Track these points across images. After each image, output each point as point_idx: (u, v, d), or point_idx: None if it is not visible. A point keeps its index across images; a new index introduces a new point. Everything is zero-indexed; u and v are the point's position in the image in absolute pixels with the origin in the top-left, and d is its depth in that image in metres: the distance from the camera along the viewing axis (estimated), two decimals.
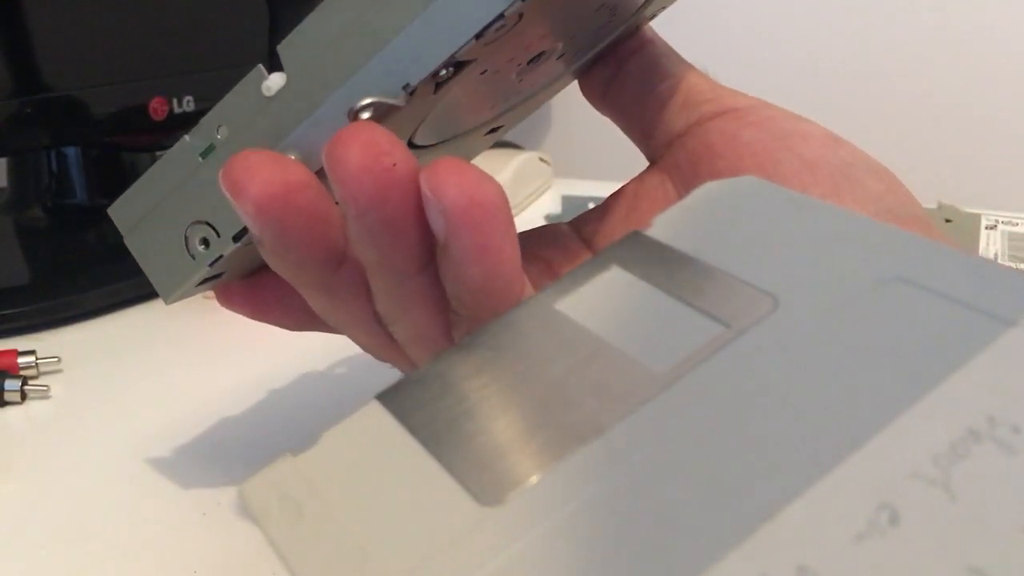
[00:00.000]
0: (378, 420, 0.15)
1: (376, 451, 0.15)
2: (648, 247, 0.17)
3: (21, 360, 0.35)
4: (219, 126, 0.22)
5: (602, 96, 0.29)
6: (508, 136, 0.62)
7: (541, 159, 0.61)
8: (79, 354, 0.37)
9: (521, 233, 0.22)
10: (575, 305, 0.16)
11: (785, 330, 0.14)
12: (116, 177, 0.49)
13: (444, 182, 0.19)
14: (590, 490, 0.13)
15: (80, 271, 0.44)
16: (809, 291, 0.15)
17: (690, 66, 0.28)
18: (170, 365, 0.37)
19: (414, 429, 0.15)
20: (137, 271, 0.44)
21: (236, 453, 0.31)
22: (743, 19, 0.69)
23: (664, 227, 0.17)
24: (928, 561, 0.11)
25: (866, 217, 0.15)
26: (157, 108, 0.45)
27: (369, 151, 0.19)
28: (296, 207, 0.20)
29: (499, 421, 0.15)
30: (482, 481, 0.14)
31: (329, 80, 0.20)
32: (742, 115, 0.26)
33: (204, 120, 0.22)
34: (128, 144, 0.48)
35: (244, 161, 0.20)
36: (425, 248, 0.20)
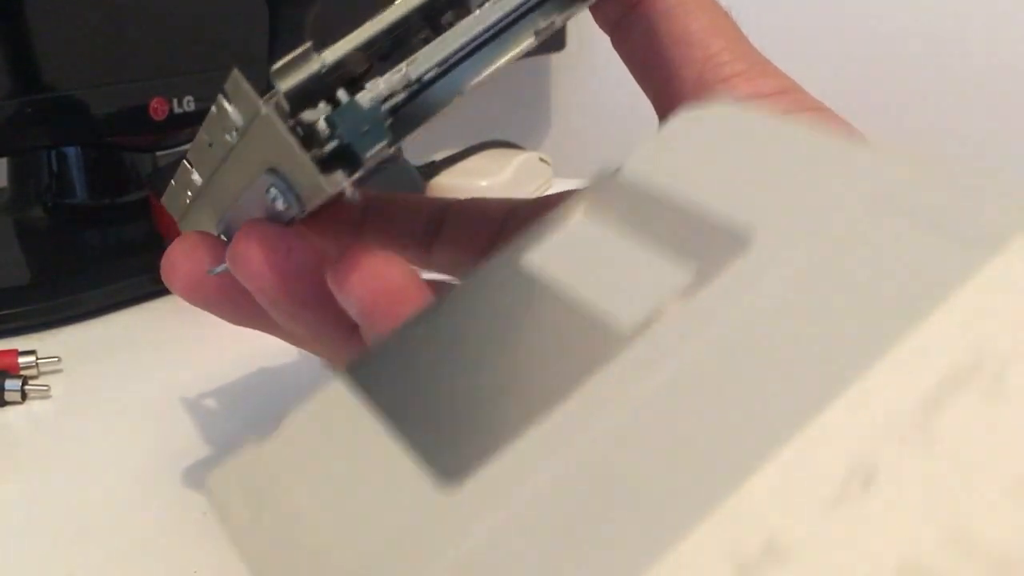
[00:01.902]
0: (340, 399, 0.15)
1: (337, 433, 0.14)
2: (619, 188, 0.16)
3: (22, 360, 0.35)
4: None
5: (612, 34, 0.25)
6: (508, 136, 0.62)
7: (541, 159, 0.61)
8: (80, 354, 0.37)
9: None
10: (543, 259, 0.16)
11: (758, 273, 0.13)
12: (116, 177, 0.49)
13: (347, 279, 0.20)
14: (550, 467, 0.12)
15: (80, 271, 0.44)
16: (786, 226, 0.13)
17: (713, 20, 0.23)
18: (171, 365, 0.37)
19: (376, 405, 0.15)
20: (137, 271, 0.44)
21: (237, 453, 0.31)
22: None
23: (637, 164, 0.16)
24: (905, 526, 0.10)
25: (847, 141, 0.14)
26: (157, 108, 0.45)
27: (264, 246, 0.21)
28: (213, 294, 0.23)
29: (461, 391, 0.14)
30: (443, 462, 0.13)
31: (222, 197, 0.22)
32: (766, 105, 0.22)
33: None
34: (128, 144, 0.48)
35: (169, 254, 0.23)
36: (346, 317, 0.21)
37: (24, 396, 0.34)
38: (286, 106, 0.18)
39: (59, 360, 0.36)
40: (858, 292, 0.12)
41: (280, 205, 0.20)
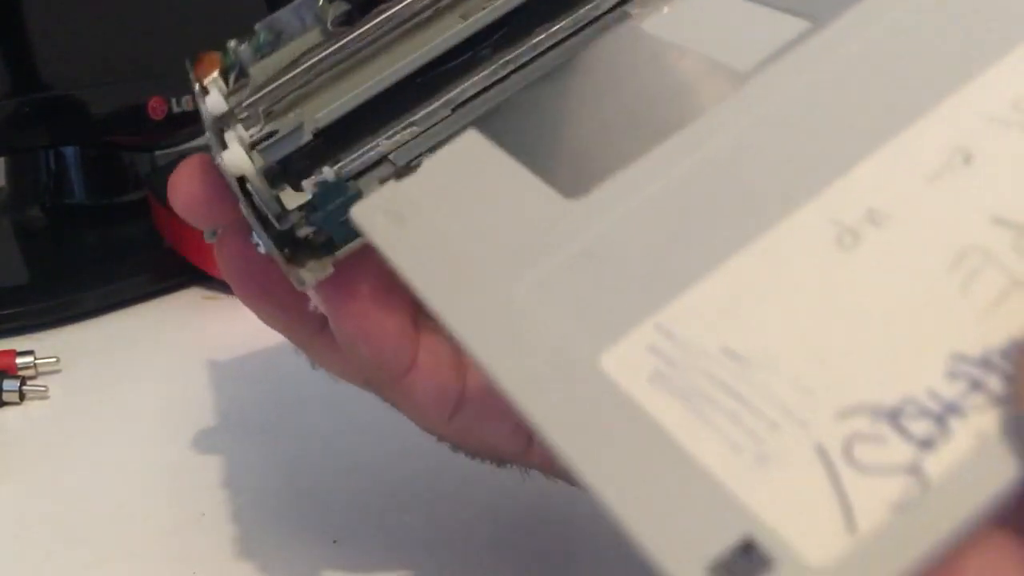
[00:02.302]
0: (473, 143, 0.17)
1: (471, 168, 0.16)
2: None
3: (19, 360, 0.35)
4: None
5: None
6: None
7: None
8: (78, 354, 0.37)
9: None
10: (663, 24, 0.17)
11: (870, 18, 0.14)
12: (115, 177, 0.49)
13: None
14: (669, 176, 0.14)
15: (79, 271, 0.43)
16: None
17: None
18: (169, 365, 0.37)
19: (507, 146, 0.16)
20: (135, 271, 0.44)
21: (235, 453, 0.31)
22: None
23: None
24: (1005, 190, 0.11)
25: None
26: (156, 107, 0.45)
27: (238, 266, 0.21)
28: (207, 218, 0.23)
29: (586, 130, 0.16)
30: (569, 179, 0.15)
31: None
32: None
33: None
34: (127, 143, 0.48)
35: (175, 174, 0.23)
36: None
37: (22, 397, 0.34)
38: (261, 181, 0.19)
39: (57, 360, 0.36)
40: (967, 20, 0.14)
41: (255, 242, 0.20)
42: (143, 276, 0.42)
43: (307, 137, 0.19)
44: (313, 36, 0.26)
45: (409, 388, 0.22)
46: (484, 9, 0.20)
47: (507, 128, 0.17)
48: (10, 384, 0.34)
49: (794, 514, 0.10)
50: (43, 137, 0.45)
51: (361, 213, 0.17)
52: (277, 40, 0.25)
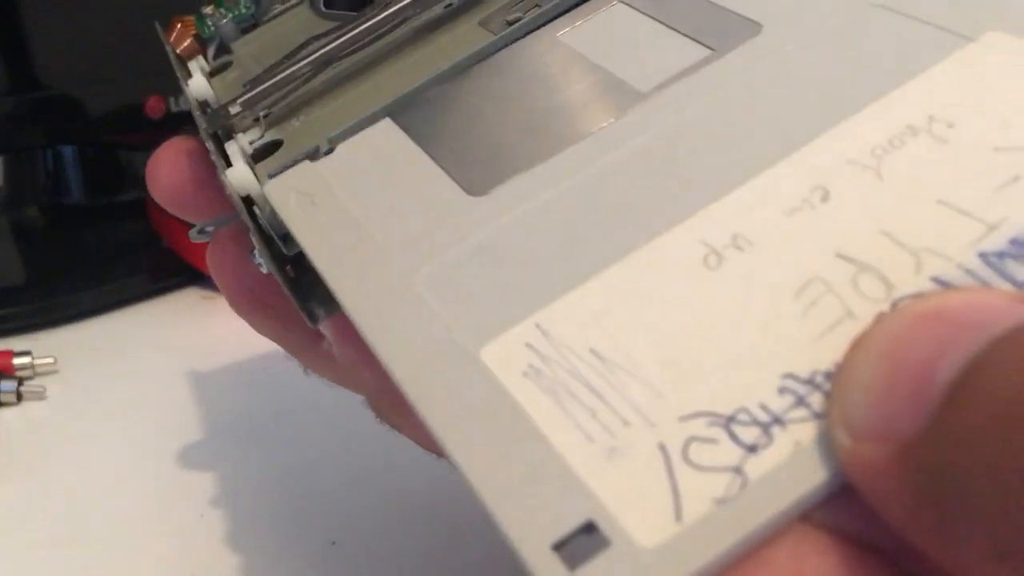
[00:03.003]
0: (387, 132, 0.18)
1: (383, 156, 0.17)
2: None
3: (17, 361, 0.35)
4: None
5: None
6: None
7: None
8: (75, 355, 0.37)
9: None
10: (576, 35, 0.18)
11: (764, 52, 0.16)
12: (113, 176, 0.49)
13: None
14: (564, 184, 0.15)
15: (77, 271, 0.43)
16: (792, 18, 0.16)
17: None
18: (167, 366, 0.37)
19: (419, 139, 0.17)
20: (133, 271, 0.44)
21: (234, 454, 0.31)
22: None
23: None
24: (850, 229, 0.13)
25: None
26: (154, 107, 0.45)
27: (228, 265, 0.21)
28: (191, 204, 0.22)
29: (494, 131, 0.17)
30: (473, 177, 0.16)
31: None
32: None
33: None
34: (125, 143, 0.47)
35: (154, 158, 0.22)
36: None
37: (20, 397, 0.34)
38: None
39: (55, 361, 0.36)
40: (853, 67, 0.15)
41: (257, 262, 0.20)
42: (141, 276, 0.42)
43: (324, 148, 0.18)
44: (302, 12, 0.25)
45: (411, 412, 0.22)
46: (511, 20, 0.20)
47: (421, 120, 0.18)
48: (7, 385, 0.34)
49: (632, 502, 0.11)
50: (40, 136, 0.44)
51: (275, 191, 0.18)
52: (258, 7, 0.24)
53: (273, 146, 0.20)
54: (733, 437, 0.11)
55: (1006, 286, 0.12)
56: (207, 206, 0.22)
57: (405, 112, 0.18)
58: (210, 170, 0.22)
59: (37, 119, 0.43)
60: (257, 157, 0.19)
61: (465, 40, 0.20)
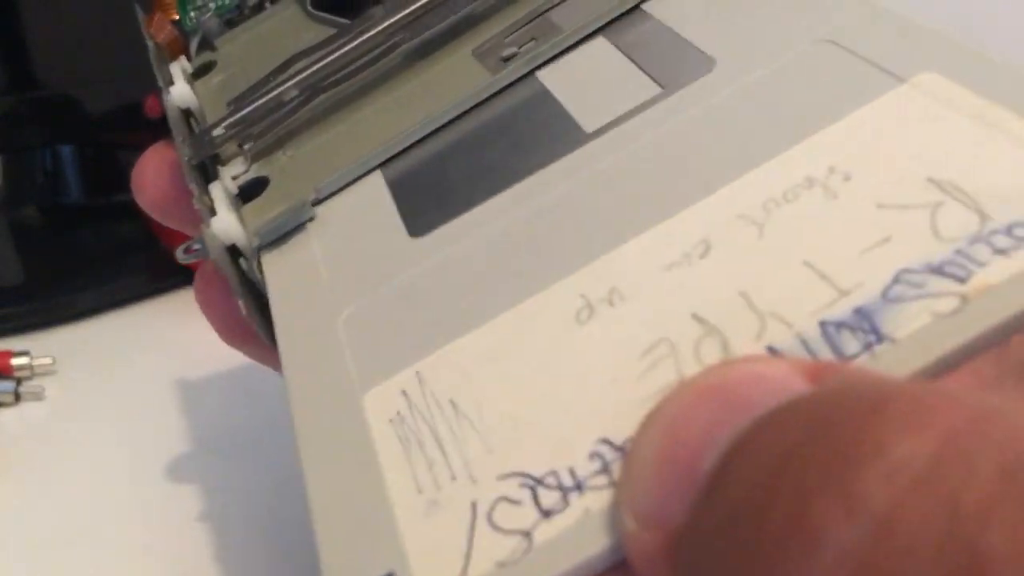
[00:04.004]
0: (375, 190, 0.18)
1: (367, 216, 0.18)
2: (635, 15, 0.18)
3: (15, 361, 0.35)
4: None
5: None
6: None
7: None
8: (74, 355, 0.37)
9: None
10: (551, 71, 0.18)
11: (708, 93, 0.16)
12: (112, 176, 0.49)
13: None
14: (485, 228, 0.16)
15: (75, 271, 0.43)
16: (744, 53, 0.16)
17: None
18: (166, 366, 0.36)
19: (395, 190, 0.18)
20: (132, 271, 0.44)
21: (232, 454, 0.31)
22: None
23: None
24: (713, 287, 0.12)
25: None
26: (152, 106, 0.45)
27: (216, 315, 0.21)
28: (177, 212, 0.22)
29: (450, 170, 0.18)
30: (418, 218, 0.17)
31: None
32: None
33: None
34: (123, 142, 0.47)
35: (139, 164, 0.22)
36: None
37: (18, 398, 0.34)
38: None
39: (53, 361, 0.36)
40: (786, 107, 0.15)
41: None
42: (140, 276, 0.42)
43: (309, 214, 0.18)
44: (289, 9, 0.24)
45: None
46: (506, 56, 0.19)
47: (405, 168, 0.18)
48: (5, 385, 0.34)
49: (431, 558, 0.11)
50: (39, 136, 0.44)
51: (268, 265, 0.18)
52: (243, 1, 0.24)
53: (257, 184, 0.19)
54: (535, 500, 0.11)
55: (830, 359, 0.11)
56: (195, 214, 0.22)
57: (394, 163, 0.18)
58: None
59: (35, 119, 0.43)
60: (243, 196, 0.19)
61: (459, 75, 0.19)
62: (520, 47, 0.19)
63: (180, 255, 0.20)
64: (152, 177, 0.22)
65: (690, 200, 0.14)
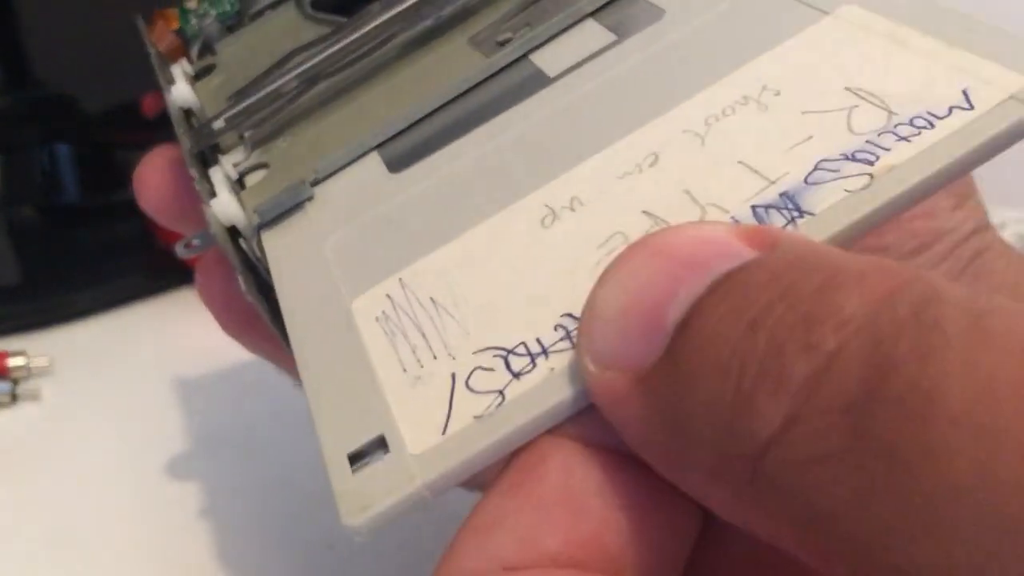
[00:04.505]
0: (373, 169, 0.19)
1: (366, 194, 0.18)
2: None
3: (11, 362, 0.35)
4: None
5: None
6: None
7: None
8: (70, 356, 0.37)
9: None
10: (544, 52, 0.19)
11: (657, 37, 0.18)
12: (109, 175, 0.49)
13: None
14: (459, 161, 0.17)
15: (72, 271, 0.43)
16: (692, 2, 0.18)
17: None
18: (163, 366, 0.36)
19: (385, 151, 0.19)
20: (129, 271, 0.44)
21: (230, 455, 0.31)
22: None
23: None
24: (661, 188, 0.15)
25: None
26: (150, 105, 0.45)
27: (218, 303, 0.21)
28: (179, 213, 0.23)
29: (435, 124, 0.19)
30: (399, 157, 0.18)
31: None
32: None
33: None
34: (121, 141, 0.47)
35: (140, 168, 0.23)
36: None
37: (14, 398, 0.34)
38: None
39: (50, 362, 0.36)
40: (724, 44, 0.17)
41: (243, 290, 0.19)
42: (137, 276, 0.42)
43: (308, 193, 0.18)
44: (288, 12, 0.24)
45: None
46: (500, 41, 0.19)
47: (400, 145, 0.19)
48: (2, 386, 0.34)
49: (416, 421, 0.13)
50: (36, 135, 0.44)
51: (269, 243, 0.19)
52: (243, 2, 0.24)
53: (257, 170, 0.19)
54: (507, 366, 0.13)
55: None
56: (195, 217, 0.22)
57: (391, 145, 0.19)
58: None
59: (33, 118, 0.43)
60: (243, 182, 0.19)
61: (455, 61, 0.20)
62: (515, 33, 0.20)
63: (180, 250, 0.21)
64: (153, 179, 0.22)
65: (640, 123, 0.16)
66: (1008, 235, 0.31)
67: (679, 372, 0.11)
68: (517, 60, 0.19)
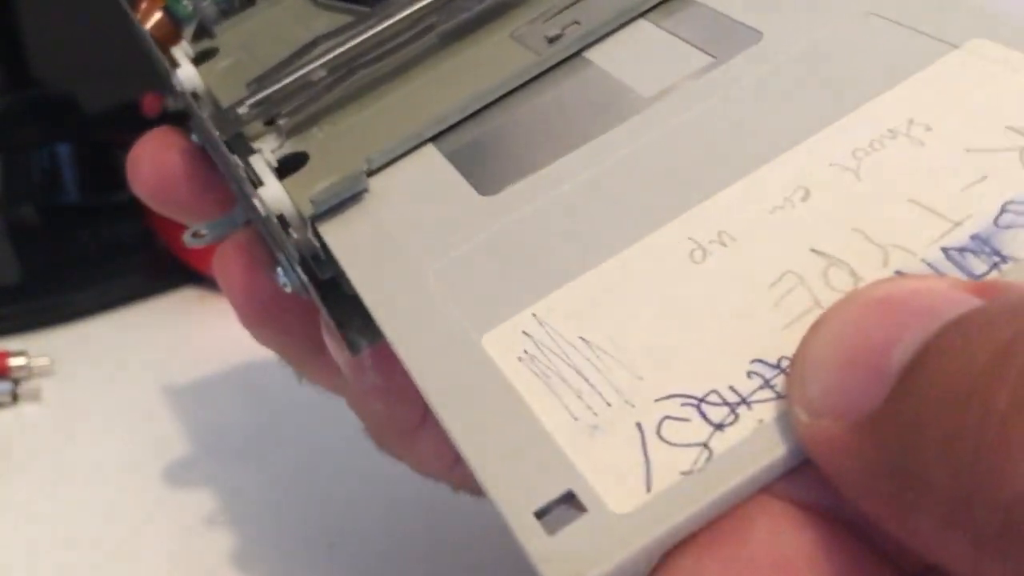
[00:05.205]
0: (432, 160, 0.18)
1: (428, 185, 0.18)
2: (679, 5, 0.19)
3: (12, 361, 0.35)
4: None
5: None
6: None
7: None
8: (71, 355, 0.37)
9: None
10: (597, 49, 0.19)
11: (762, 58, 0.17)
12: (109, 175, 0.49)
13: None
14: (567, 184, 0.16)
15: (73, 270, 0.43)
16: (790, 26, 0.17)
17: None
18: (164, 366, 0.36)
19: (454, 157, 0.18)
20: (129, 270, 0.44)
21: (231, 455, 0.31)
22: None
23: None
24: (826, 226, 0.14)
25: None
26: (150, 104, 0.45)
27: (244, 269, 0.20)
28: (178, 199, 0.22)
29: (510, 135, 0.18)
30: (488, 179, 0.17)
31: None
32: None
33: None
34: (121, 141, 0.47)
35: (135, 151, 0.22)
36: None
37: (15, 398, 0.34)
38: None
39: (51, 362, 0.36)
40: (845, 73, 0.16)
41: (282, 282, 0.19)
42: (137, 276, 0.42)
43: (364, 184, 0.18)
44: (291, 1, 0.24)
45: (414, 442, 0.21)
46: (550, 37, 0.19)
47: (458, 141, 0.18)
48: (3, 386, 0.34)
49: (608, 475, 0.12)
50: (36, 135, 0.44)
51: (332, 236, 0.18)
52: None
53: (296, 158, 0.19)
54: (703, 416, 0.12)
55: (963, 278, 0.12)
56: (197, 204, 0.21)
57: (445, 138, 0.18)
58: (199, 166, 0.21)
59: (33, 117, 0.43)
60: (282, 171, 0.19)
61: (501, 55, 0.19)
62: (563, 29, 0.19)
63: (188, 239, 0.20)
64: (149, 165, 0.21)
65: (772, 154, 0.15)
66: None
67: (908, 415, 0.11)
68: (570, 58, 0.19)
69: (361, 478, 0.29)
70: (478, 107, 0.18)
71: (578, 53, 0.19)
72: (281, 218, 0.18)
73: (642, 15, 0.19)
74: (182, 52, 0.23)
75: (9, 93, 0.42)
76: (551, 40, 0.19)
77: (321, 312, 0.18)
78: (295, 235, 0.18)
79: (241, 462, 0.30)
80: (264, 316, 0.21)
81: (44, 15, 0.42)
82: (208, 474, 0.30)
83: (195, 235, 0.20)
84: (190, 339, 0.38)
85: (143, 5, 0.23)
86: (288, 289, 0.18)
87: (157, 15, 0.24)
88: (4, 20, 0.42)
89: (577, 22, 0.19)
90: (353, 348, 0.18)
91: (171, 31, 0.24)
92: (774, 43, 0.17)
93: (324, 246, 0.18)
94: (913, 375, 0.11)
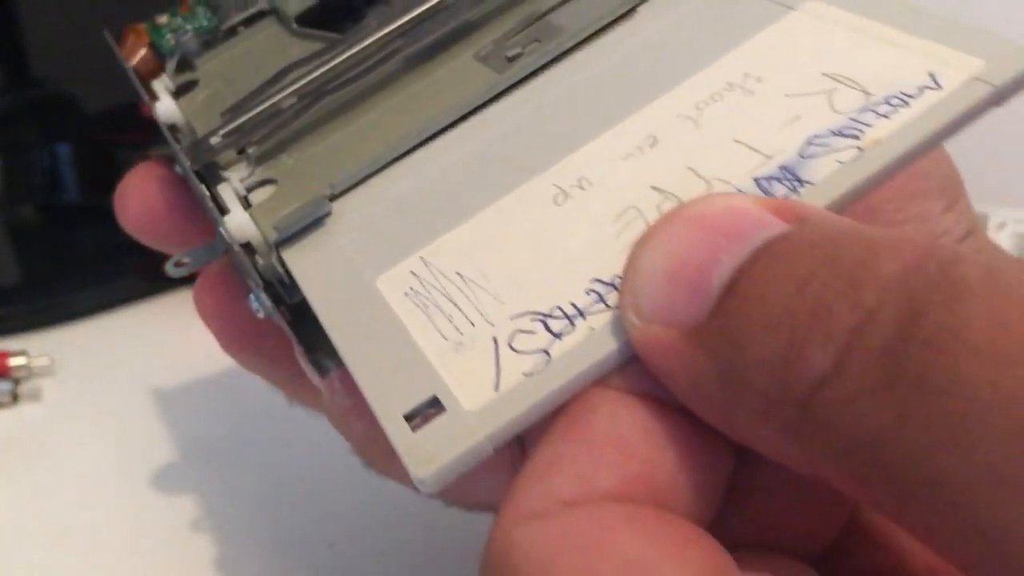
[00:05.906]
0: (390, 177, 0.19)
1: (379, 195, 0.19)
2: None
3: (12, 361, 0.35)
4: None
5: None
6: None
7: None
8: (71, 355, 0.37)
9: None
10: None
11: (633, 33, 0.19)
12: (109, 175, 0.49)
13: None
14: (468, 144, 0.19)
15: (73, 270, 0.43)
16: (664, 5, 0.19)
17: None
18: (164, 367, 0.36)
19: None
20: (129, 271, 0.44)
21: (231, 455, 0.31)
22: None
23: None
24: (665, 167, 0.16)
25: None
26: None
27: (218, 301, 0.21)
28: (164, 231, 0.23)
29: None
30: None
31: None
32: None
33: None
34: (121, 141, 0.47)
35: (121, 187, 0.23)
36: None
37: (15, 398, 0.34)
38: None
39: (51, 362, 0.36)
40: (698, 37, 0.18)
41: (255, 308, 0.19)
42: (137, 276, 0.42)
43: (327, 209, 0.18)
44: (270, 28, 0.24)
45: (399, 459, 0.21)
46: (509, 57, 0.20)
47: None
48: (3, 385, 0.34)
49: (466, 382, 0.15)
50: (36, 135, 0.44)
51: (293, 261, 0.19)
52: (217, 17, 0.24)
53: (263, 185, 0.19)
54: (547, 328, 0.15)
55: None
56: (180, 235, 0.21)
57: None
58: (183, 197, 0.21)
59: (33, 118, 0.43)
60: (249, 199, 0.19)
61: (463, 77, 0.20)
62: (524, 48, 0.20)
63: (170, 268, 0.20)
64: (134, 199, 0.22)
65: (632, 110, 0.17)
66: (1008, 235, 0.30)
67: (730, 329, 0.13)
68: (531, 75, 0.19)
69: (362, 479, 0.29)
70: (436, 130, 0.19)
71: (540, 70, 0.19)
72: (247, 245, 0.18)
73: (600, 32, 0.20)
74: (162, 86, 0.24)
75: (9, 93, 0.42)
76: (510, 60, 0.20)
77: (289, 336, 0.18)
78: (261, 261, 0.18)
79: (242, 461, 0.30)
80: (244, 343, 0.21)
81: (44, 15, 0.42)
82: (208, 473, 0.30)
83: (177, 264, 0.20)
84: (190, 339, 0.38)
85: (128, 41, 0.24)
86: (261, 315, 0.18)
87: (142, 51, 0.24)
88: (4, 20, 0.42)
89: (538, 40, 0.20)
90: (322, 370, 0.18)
91: (156, 65, 0.24)
92: (647, 19, 0.19)
93: (288, 271, 0.18)
94: (732, 297, 0.13)
